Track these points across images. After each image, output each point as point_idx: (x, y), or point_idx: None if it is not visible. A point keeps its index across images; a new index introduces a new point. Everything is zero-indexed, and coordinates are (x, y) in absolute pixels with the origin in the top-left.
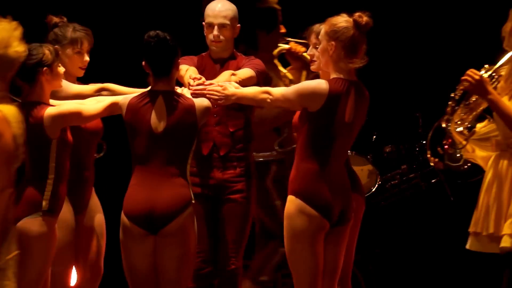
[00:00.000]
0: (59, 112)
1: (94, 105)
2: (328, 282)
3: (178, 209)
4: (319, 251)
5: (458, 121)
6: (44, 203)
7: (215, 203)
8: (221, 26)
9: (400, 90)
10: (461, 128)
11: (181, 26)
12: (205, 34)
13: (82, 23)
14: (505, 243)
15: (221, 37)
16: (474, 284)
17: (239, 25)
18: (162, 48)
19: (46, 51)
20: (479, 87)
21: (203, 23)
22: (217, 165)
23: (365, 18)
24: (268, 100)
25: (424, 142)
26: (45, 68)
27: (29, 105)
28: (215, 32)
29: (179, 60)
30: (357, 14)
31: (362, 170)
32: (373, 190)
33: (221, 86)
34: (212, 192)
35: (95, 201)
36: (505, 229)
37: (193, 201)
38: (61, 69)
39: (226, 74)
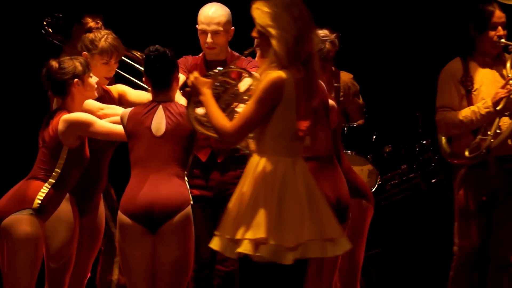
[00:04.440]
0: (72, 118)
1: (109, 124)
2: (326, 281)
3: (176, 207)
4: None
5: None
6: (36, 202)
7: (214, 205)
8: (215, 33)
9: (400, 90)
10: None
11: (179, 28)
12: (199, 38)
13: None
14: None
15: (215, 44)
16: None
17: (233, 28)
18: (161, 62)
19: (77, 63)
20: (194, 88)
21: (197, 27)
22: (216, 168)
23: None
24: None
25: (424, 142)
26: (76, 80)
27: (55, 111)
28: (209, 39)
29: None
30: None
31: (362, 170)
32: (373, 190)
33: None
34: (211, 194)
35: (101, 208)
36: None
37: (191, 203)
38: (93, 80)
39: None
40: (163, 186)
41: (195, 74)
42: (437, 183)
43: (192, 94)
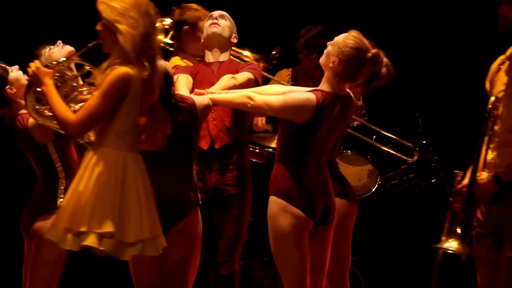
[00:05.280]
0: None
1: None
2: (315, 281)
3: (185, 210)
4: (305, 249)
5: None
6: (59, 201)
7: (212, 207)
8: (221, 16)
9: (400, 90)
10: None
11: None
12: (204, 30)
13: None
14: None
15: (220, 22)
16: (473, 284)
17: (236, 36)
18: None
19: None
20: (36, 77)
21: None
22: (214, 168)
23: (383, 60)
24: (249, 105)
25: (424, 142)
26: (6, 87)
27: (13, 120)
28: (215, 14)
29: (174, 70)
30: (378, 51)
31: (362, 170)
32: (373, 190)
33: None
34: (209, 196)
35: None
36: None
37: (200, 203)
38: (14, 71)
39: (225, 78)
40: (172, 187)
41: (37, 63)
42: (437, 183)
43: (33, 83)
